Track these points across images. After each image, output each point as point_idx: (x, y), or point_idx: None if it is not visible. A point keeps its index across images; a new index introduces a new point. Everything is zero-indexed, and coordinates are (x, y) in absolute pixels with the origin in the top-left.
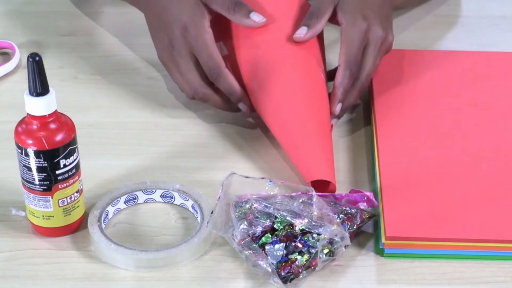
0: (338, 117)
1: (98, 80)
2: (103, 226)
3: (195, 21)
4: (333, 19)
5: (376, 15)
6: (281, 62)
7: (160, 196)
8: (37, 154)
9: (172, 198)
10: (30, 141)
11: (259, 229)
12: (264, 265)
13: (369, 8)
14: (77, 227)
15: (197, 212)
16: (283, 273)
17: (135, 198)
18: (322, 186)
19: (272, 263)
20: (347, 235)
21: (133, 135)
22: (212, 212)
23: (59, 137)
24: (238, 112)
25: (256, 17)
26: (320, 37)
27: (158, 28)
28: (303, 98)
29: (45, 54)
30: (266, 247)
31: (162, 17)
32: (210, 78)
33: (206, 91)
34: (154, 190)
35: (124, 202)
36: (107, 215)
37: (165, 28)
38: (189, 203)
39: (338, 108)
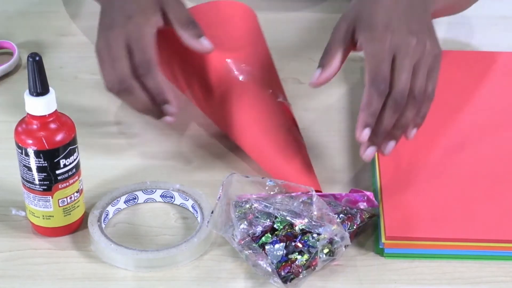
0: (377, 145)
1: (98, 80)
2: (103, 226)
3: (143, 13)
4: (354, 44)
5: (402, 20)
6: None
7: (160, 196)
8: (37, 154)
9: (172, 198)
10: (30, 141)
11: (259, 229)
12: (264, 265)
13: (391, 15)
14: (77, 227)
15: (197, 212)
16: (283, 273)
17: (135, 198)
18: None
19: (272, 263)
20: (347, 235)
21: (133, 135)
22: (212, 212)
23: (59, 137)
24: (159, 118)
25: (206, 43)
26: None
27: (105, 15)
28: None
29: (45, 54)
30: (266, 247)
31: (114, 6)
32: (139, 72)
33: (132, 83)
34: (154, 190)
35: (124, 202)
36: (107, 215)
37: (110, 13)
38: (189, 203)
39: (364, 133)
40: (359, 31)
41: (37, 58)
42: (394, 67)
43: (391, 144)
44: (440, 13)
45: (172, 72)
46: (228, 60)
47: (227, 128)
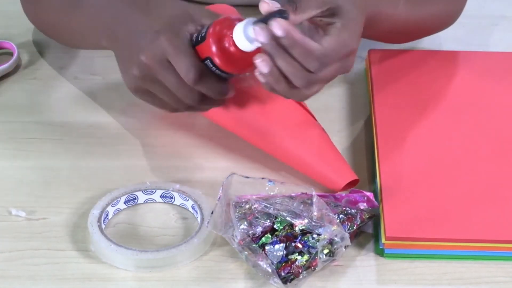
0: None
1: (98, 80)
2: (103, 226)
3: (171, 27)
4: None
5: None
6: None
7: (160, 196)
8: None
9: (172, 198)
10: None
11: (259, 229)
12: (264, 266)
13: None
14: None
15: (197, 213)
16: (283, 274)
17: (135, 199)
18: (348, 184)
19: (272, 264)
20: (347, 235)
21: (133, 135)
22: (212, 213)
23: None
24: (189, 109)
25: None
26: None
27: (126, 57)
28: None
29: (45, 54)
30: (266, 248)
31: (129, 33)
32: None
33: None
34: (154, 191)
35: (124, 203)
36: (107, 215)
37: (126, 43)
38: (189, 203)
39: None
40: (338, 16)
41: None
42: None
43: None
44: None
45: None
46: None
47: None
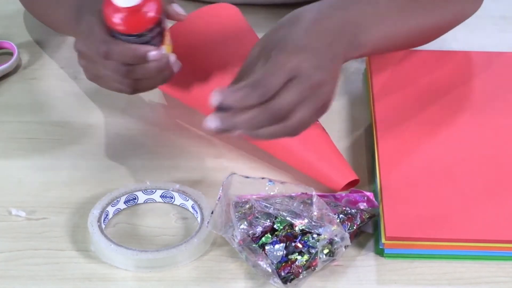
0: (225, 127)
1: None
2: (103, 226)
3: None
4: None
5: (316, 50)
6: None
7: (160, 196)
8: None
9: (172, 198)
10: None
11: (259, 229)
12: (264, 266)
13: (307, 40)
14: None
15: (197, 212)
16: (283, 274)
17: (135, 198)
18: (348, 184)
19: (272, 263)
20: (347, 235)
21: (133, 135)
22: (212, 212)
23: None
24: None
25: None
26: None
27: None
28: None
29: (45, 54)
30: (266, 247)
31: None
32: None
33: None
34: (154, 190)
35: (124, 202)
36: (107, 215)
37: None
38: (189, 203)
39: (214, 100)
40: (272, 50)
41: None
42: (284, 86)
43: (237, 132)
44: (379, 50)
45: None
46: None
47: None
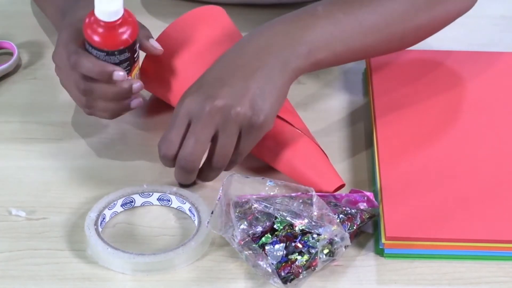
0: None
1: None
2: (100, 229)
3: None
4: None
5: (214, 84)
6: None
7: (157, 199)
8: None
9: (169, 201)
10: None
11: (259, 229)
12: (264, 266)
13: (206, 79)
14: None
15: (194, 215)
16: (283, 274)
17: (132, 201)
18: (335, 189)
19: (272, 264)
20: (347, 235)
21: (133, 135)
22: (212, 212)
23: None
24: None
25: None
26: None
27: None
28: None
29: (45, 54)
30: (266, 247)
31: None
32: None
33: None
34: (151, 193)
35: (121, 206)
36: (103, 218)
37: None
38: (186, 206)
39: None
40: None
41: None
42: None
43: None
44: (336, 62)
45: (165, 85)
46: None
47: None
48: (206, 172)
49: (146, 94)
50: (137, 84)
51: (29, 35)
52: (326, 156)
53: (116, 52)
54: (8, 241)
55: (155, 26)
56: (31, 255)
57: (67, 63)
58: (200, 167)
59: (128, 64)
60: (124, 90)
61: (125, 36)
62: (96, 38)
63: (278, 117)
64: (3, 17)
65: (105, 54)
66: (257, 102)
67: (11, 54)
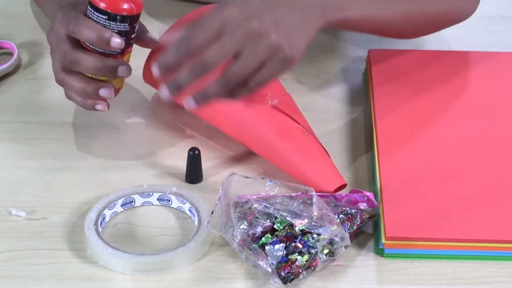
0: (173, 93)
1: None
2: (100, 229)
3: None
4: None
5: (258, 8)
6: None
7: (157, 199)
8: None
9: (169, 201)
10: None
11: (259, 229)
12: (264, 266)
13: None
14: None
15: (194, 215)
16: (283, 274)
17: (132, 202)
18: (336, 189)
19: (272, 264)
20: (347, 235)
21: (133, 135)
22: (212, 212)
23: None
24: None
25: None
26: None
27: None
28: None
29: (45, 54)
30: (266, 248)
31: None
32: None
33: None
34: (151, 193)
35: (121, 206)
36: (103, 218)
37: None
38: (186, 206)
39: (154, 70)
40: None
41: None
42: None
43: (189, 101)
44: (358, 27)
45: None
46: None
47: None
48: (212, 86)
49: (147, 92)
50: (123, 66)
51: (29, 35)
52: (329, 156)
53: (118, 17)
54: (8, 241)
55: (156, 27)
56: (31, 255)
57: (62, 32)
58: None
59: (125, 37)
60: (108, 67)
61: (130, 4)
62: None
63: (285, 113)
64: (3, 17)
65: (106, 18)
66: (293, 37)
67: (11, 54)
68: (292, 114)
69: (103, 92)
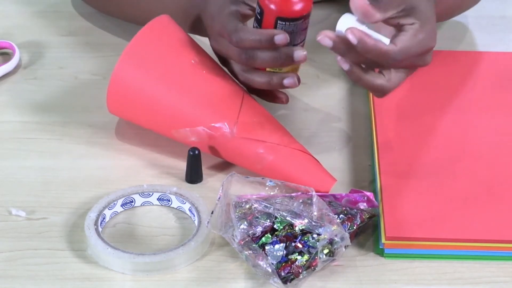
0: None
1: (98, 80)
2: (100, 229)
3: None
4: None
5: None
6: None
7: (157, 199)
8: None
9: (169, 201)
10: None
11: (259, 229)
12: (264, 266)
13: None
14: None
15: (194, 215)
16: (283, 274)
17: (132, 201)
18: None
19: (272, 263)
20: (347, 235)
21: (133, 135)
22: (212, 212)
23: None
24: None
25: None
26: None
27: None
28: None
29: (45, 54)
30: (266, 247)
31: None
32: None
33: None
34: (151, 193)
35: (121, 205)
36: (103, 218)
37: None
38: (186, 206)
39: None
40: (415, 17)
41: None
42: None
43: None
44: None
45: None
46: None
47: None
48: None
49: None
50: (298, 51)
51: (29, 35)
52: (312, 156)
53: (299, 18)
54: (8, 241)
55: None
56: (31, 255)
57: (227, 43)
58: None
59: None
60: (284, 53)
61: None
62: (288, 8)
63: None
64: (3, 17)
65: (292, 22)
66: None
67: (11, 54)
68: (255, 134)
69: (287, 81)
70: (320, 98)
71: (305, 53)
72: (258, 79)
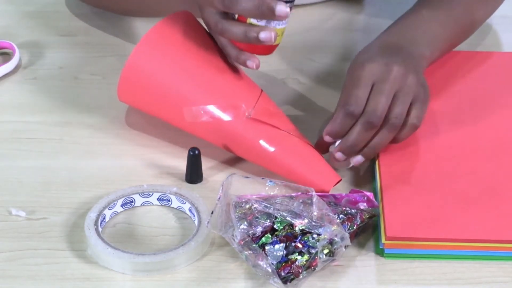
0: (347, 155)
1: (98, 80)
2: (100, 229)
3: None
4: None
5: (386, 56)
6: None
7: (157, 199)
8: None
9: (169, 201)
10: None
11: (259, 229)
12: (264, 266)
13: (376, 52)
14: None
15: (194, 215)
16: (283, 274)
17: (132, 201)
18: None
19: (272, 263)
20: (347, 235)
21: (133, 135)
22: (212, 212)
23: None
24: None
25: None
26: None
27: None
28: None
29: (45, 54)
30: (266, 247)
31: None
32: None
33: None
34: (151, 193)
35: (121, 206)
36: (103, 218)
37: None
38: (186, 206)
39: (326, 138)
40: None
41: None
42: (371, 92)
43: (358, 158)
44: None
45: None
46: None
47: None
48: (380, 136)
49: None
50: (283, 8)
51: (29, 35)
52: (318, 153)
53: None
54: (8, 241)
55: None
56: (31, 255)
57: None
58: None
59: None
60: (267, 5)
61: None
62: None
63: (263, 123)
64: (3, 17)
65: None
66: (421, 77)
67: (11, 54)
68: (270, 120)
69: (263, 35)
70: (320, 98)
71: (288, 10)
72: (235, 29)
